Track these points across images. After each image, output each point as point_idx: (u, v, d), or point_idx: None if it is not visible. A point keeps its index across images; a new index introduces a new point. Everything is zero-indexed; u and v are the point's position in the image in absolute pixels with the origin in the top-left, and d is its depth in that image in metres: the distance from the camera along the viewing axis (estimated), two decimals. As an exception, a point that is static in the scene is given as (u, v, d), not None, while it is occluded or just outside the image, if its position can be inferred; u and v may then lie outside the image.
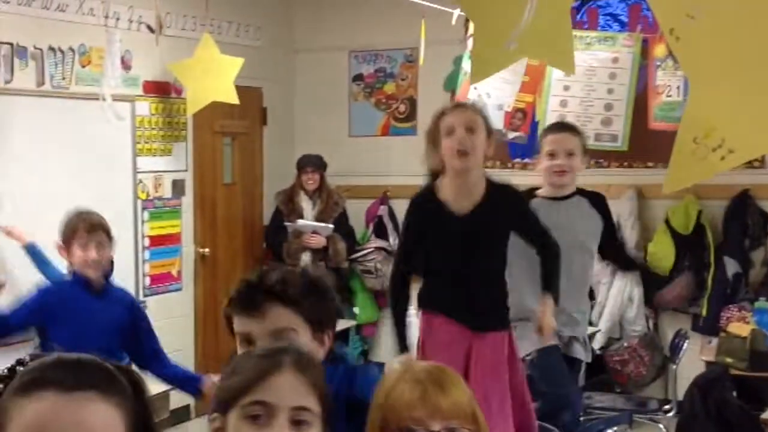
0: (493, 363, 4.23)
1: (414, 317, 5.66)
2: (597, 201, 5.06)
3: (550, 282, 4.41)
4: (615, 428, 4.35)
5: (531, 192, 4.88)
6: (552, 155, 4.78)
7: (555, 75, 7.07)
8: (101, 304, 4.43)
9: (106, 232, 4.44)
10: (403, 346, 4.37)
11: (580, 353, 4.84)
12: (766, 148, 2.53)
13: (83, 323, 4.33)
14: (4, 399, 1.41)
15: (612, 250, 5.29)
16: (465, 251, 4.25)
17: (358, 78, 8.42)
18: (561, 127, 5.12)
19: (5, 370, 1.48)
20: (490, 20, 3.79)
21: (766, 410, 4.73)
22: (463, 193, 4.24)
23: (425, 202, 4.34)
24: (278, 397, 1.95)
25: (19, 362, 1.49)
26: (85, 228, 4.37)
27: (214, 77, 6.92)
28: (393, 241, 7.88)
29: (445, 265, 4.32)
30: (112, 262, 4.60)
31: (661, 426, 6.31)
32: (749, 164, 7.10)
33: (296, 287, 2.45)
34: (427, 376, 2.08)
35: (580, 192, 4.99)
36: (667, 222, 7.44)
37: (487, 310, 4.31)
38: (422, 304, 4.49)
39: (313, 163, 7.84)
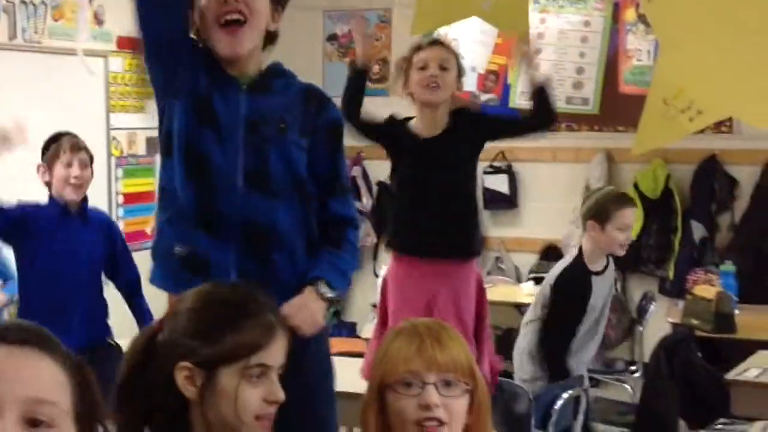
0: (456, 300, 4.25)
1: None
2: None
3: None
4: (570, 392, 4.41)
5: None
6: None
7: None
8: (80, 229, 4.50)
9: (89, 153, 4.55)
10: None
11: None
12: (733, 110, 2.57)
13: (63, 248, 4.41)
14: None
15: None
16: (432, 171, 4.29)
17: (332, 38, 8.43)
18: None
19: None
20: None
21: (730, 371, 4.81)
22: (430, 126, 4.29)
23: (398, 122, 4.40)
24: (276, 359, 2.09)
25: None
26: (70, 147, 4.47)
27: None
28: (366, 201, 7.94)
29: (411, 188, 4.36)
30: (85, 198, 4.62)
31: (627, 386, 6.42)
32: (717, 129, 7.21)
33: None
34: (425, 330, 2.14)
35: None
36: (635, 186, 7.52)
37: (454, 232, 4.30)
38: (390, 244, 4.51)
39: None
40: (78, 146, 4.53)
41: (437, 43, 4.40)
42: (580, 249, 4.76)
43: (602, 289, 4.76)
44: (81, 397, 1.37)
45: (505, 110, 6.07)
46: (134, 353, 2.11)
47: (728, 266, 6.16)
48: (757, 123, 2.60)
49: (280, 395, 2.07)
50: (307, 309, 2.70)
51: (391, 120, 4.43)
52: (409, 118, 4.39)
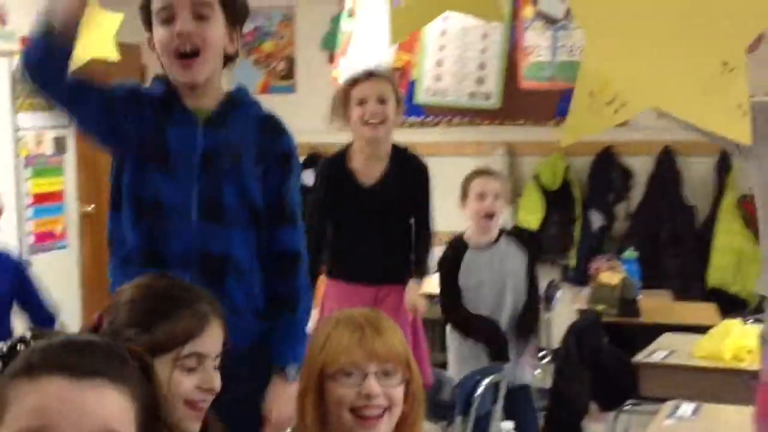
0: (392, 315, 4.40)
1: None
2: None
3: (418, 266, 4.60)
4: (490, 378, 4.57)
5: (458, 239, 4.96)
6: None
7: (431, 35, 7.30)
8: None
9: None
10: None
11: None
12: (654, 100, 2.67)
13: None
14: (4, 380, 1.32)
15: None
16: (371, 219, 4.44)
17: (236, 36, 8.47)
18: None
19: (3, 349, 1.39)
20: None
21: (638, 354, 5.01)
22: (372, 161, 4.42)
23: (335, 165, 4.50)
24: (210, 348, 2.11)
25: (22, 340, 1.40)
26: None
27: (95, 33, 6.89)
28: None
29: (351, 230, 4.49)
30: None
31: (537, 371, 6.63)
32: (613, 121, 7.49)
33: None
34: (364, 320, 2.20)
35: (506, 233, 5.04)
36: (536, 178, 7.76)
37: (386, 263, 4.47)
38: (327, 272, 4.63)
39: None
40: None
41: (373, 75, 4.44)
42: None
43: (487, 263, 4.87)
44: (147, 420, 1.38)
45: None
46: None
47: (630, 253, 6.41)
48: (680, 113, 2.72)
49: (215, 383, 2.11)
50: (283, 398, 2.75)
51: (329, 164, 4.55)
52: (343, 152, 4.51)
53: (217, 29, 2.77)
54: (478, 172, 4.91)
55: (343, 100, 4.39)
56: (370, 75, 4.43)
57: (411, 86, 7.57)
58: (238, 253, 2.78)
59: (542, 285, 7.41)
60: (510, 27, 7.20)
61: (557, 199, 7.69)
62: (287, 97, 8.24)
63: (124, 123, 2.75)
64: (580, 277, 7.25)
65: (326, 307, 4.49)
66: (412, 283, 4.52)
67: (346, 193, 4.46)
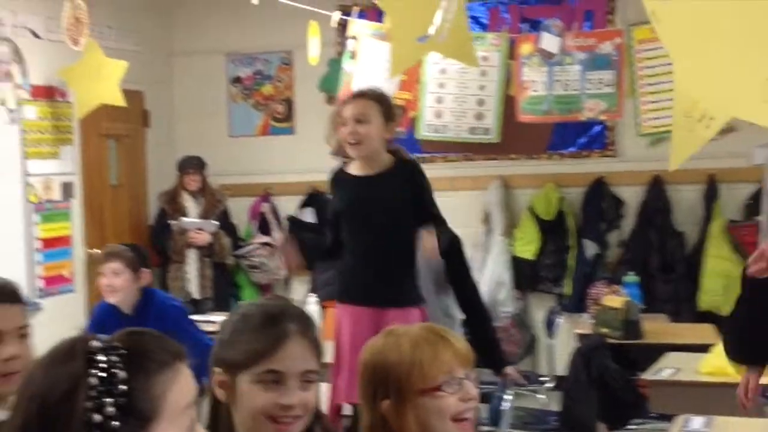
0: None
1: (314, 304, 6.03)
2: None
3: (495, 359, 4.79)
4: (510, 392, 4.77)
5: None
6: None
7: (430, 73, 7.54)
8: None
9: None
10: None
11: None
12: (734, 111, 2.77)
13: None
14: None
15: None
16: (367, 213, 4.56)
17: (236, 80, 8.68)
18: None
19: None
20: (406, 19, 4.16)
21: (641, 374, 5.18)
22: (367, 168, 4.58)
23: (337, 173, 4.71)
24: (288, 366, 2.17)
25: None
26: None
27: (101, 81, 7.06)
28: (276, 236, 8.21)
29: (351, 238, 4.62)
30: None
31: (541, 396, 6.84)
32: (603, 153, 7.78)
33: None
34: (434, 335, 2.30)
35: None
36: (531, 209, 7.98)
37: (390, 286, 4.54)
38: (336, 296, 4.78)
39: (193, 165, 8.08)
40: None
41: (357, 96, 4.61)
42: None
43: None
44: None
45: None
46: None
47: (631, 277, 6.63)
48: (757, 119, 2.82)
49: (294, 400, 2.15)
50: None
51: (332, 172, 4.75)
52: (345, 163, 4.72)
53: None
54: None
55: (335, 122, 4.60)
56: (355, 96, 4.63)
57: (412, 123, 7.81)
58: None
59: (536, 314, 7.68)
60: (506, 64, 7.45)
61: (552, 229, 7.91)
62: (287, 139, 8.47)
63: None
64: (576, 304, 7.43)
65: (340, 332, 4.63)
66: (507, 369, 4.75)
67: (344, 189, 4.63)
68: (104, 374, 1.43)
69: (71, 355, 1.48)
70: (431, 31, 3.76)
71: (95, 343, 1.49)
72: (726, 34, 2.57)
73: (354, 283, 4.63)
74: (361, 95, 4.62)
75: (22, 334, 2.46)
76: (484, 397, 4.82)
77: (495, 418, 4.77)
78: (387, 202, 4.55)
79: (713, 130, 2.73)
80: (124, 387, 1.44)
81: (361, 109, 4.48)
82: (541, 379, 6.92)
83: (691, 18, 2.57)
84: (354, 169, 4.63)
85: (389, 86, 7.17)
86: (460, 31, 4.24)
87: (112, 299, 4.86)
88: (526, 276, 7.97)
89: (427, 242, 4.58)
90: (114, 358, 1.47)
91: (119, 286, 4.86)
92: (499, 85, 7.49)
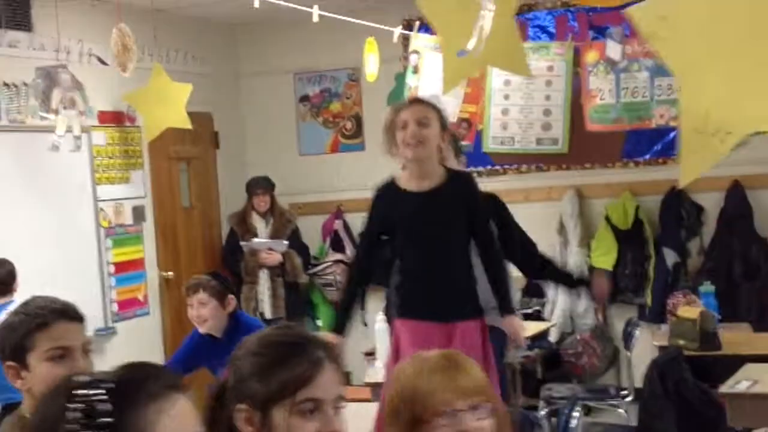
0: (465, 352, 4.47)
1: (382, 323, 5.94)
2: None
3: (503, 304, 4.64)
4: (578, 409, 4.63)
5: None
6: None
7: (495, 85, 7.44)
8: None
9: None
10: (336, 325, 4.64)
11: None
12: (756, 124, 2.75)
13: None
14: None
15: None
16: (426, 229, 4.48)
17: (304, 99, 8.69)
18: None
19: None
20: (454, 32, 4.10)
21: (720, 386, 5.02)
22: (420, 179, 4.48)
23: (386, 189, 4.59)
24: (326, 393, 2.12)
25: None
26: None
27: (167, 104, 7.10)
28: (350, 253, 8.16)
29: (409, 253, 4.55)
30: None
31: (621, 411, 6.65)
32: (679, 160, 7.55)
33: None
34: (445, 362, 2.26)
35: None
36: (607, 219, 7.82)
37: (453, 299, 4.48)
38: (393, 312, 4.73)
39: (261, 186, 8.09)
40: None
41: (415, 101, 4.61)
42: None
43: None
44: None
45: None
46: (208, 401, 2.23)
47: (707, 287, 6.44)
48: None
49: (335, 427, 2.12)
50: None
51: (379, 187, 4.63)
52: (392, 177, 4.60)
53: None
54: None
55: (391, 128, 4.51)
56: (412, 102, 4.61)
57: (478, 136, 7.70)
58: None
59: (618, 325, 7.49)
60: (572, 73, 7.32)
61: (629, 239, 7.73)
62: (357, 155, 8.42)
63: None
64: (657, 314, 7.27)
65: (402, 347, 4.56)
66: (508, 317, 4.62)
67: (397, 202, 4.52)
68: (84, 407, 1.43)
69: (57, 391, 1.50)
70: (470, 45, 3.67)
71: (80, 379, 1.49)
72: (734, 50, 2.55)
73: (416, 298, 4.56)
74: (418, 102, 4.61)
75: (87, 350, 2.68)
76: (553, 414, 4.73)
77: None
78: (446, 213, 4.50)
79: (729, 144, 2.70)
80: (106, 419, 1.42)
81: (422, 113, 4.44)
82: (623, 393, 6.74)
83: (696, 34, 2.56)
84: (407, 183, 4.55)
85: (454, 100, 7.11)
86: (509, 42, 4.14)
87: (203, 329, 4.94)
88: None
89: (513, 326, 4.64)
90: (96, 392, 1.45)
91: (207, 315, 4.92)
92: (565, 95, 7.36)
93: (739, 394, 4.83)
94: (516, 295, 8.03)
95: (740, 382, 4.95)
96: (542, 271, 5.61)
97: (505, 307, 4.64)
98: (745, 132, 2.75)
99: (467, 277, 4.57)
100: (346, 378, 2.95)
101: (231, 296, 5.02)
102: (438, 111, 4.54)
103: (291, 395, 2.10)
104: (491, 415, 2.25)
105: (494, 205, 5.14)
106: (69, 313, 2.69)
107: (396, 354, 4.58)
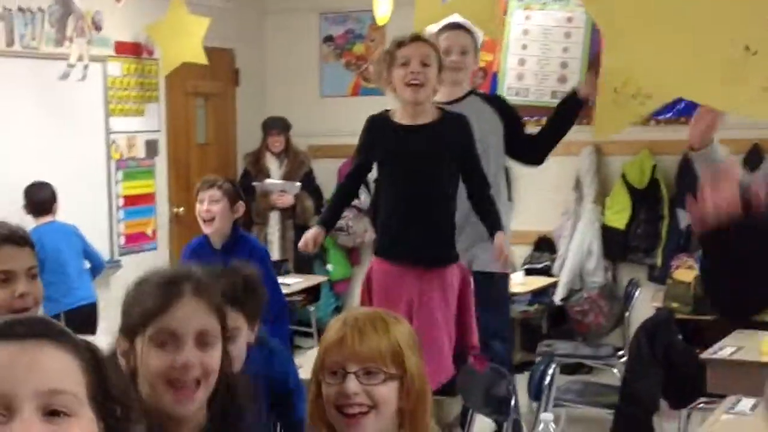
0: (437, 298, 4.40)
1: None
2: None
3: (493, 224, 4.52)
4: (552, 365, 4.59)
5: None
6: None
7: (513, 35, 7.30)
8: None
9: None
10: (321, 219, 4.70)
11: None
12: (678, 92, 2.71)
13: None
14: None
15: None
16: (411, 162, 4.40)
17: (328, 39, 8.63)
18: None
19: None
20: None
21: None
22: (414, 118, 4.41)
23: (378, 118, 4.52)
24: (181, 324, 2.11)
25: None
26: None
27: (183, 38, 7.07)
28: (364, 198, 8.10)
29: (391, 190, 4.49)
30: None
31: (615, 371, 6.57)
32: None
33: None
34: (353, 322, 2.24)
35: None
36: (623, 177, 7.70)
37: (430, 242, 4.40)
38: (374, 251, 4.67)
39: (277, 126, 8.04)
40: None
41: (418, 39, 4.45)
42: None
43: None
44: (96, 382, 1.40)
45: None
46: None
47: (707, 250, 6.30)
48: (704, 100, 2.75)
49: (184, 359, 2.09)
50: None
51: (371, 118, 4.56)
52: (386, 112, 4.53)
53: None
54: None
55: (388, 61, 4.41)
56: (415, 38, 4.44)
57: (494, 84, 7.58)
58: None
59: (623, 283, 7.38)
60: (592, 26, 7.17)
61: (644, 198, 7.61)
62: (377, 100, 8.30)
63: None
64: (664, 276, 7.15)
65: (374, 285, 4.52)
66: (496, 234, 4.48)
67: (387, 132, 4.45)
68: None
69: None
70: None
71: None
72: (663, 17, 2.53)
73: (392, 236, 4.51)
74: (421, 39, 4.45)
75: (32, 274, 2.75)
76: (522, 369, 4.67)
77: (537, 393, 4.58)
78: (434, 151, 4.42)
79: (649, 108, 2.72)
80: None
81: (426, 51, 4.35)
82: (619, 353, 6.66)
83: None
84: (400, 117, 4.47)
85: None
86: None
87: (207, 228, 4.91)
88: (617, 245, 7.69)
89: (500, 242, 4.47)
90: None
91: (217, 212, 4.90)
92: (584, 47, 7.20)
93: (720, 360, 4.75)
94: (526, 251, 7.99)
95: (724, 348, 4.87)
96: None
97: (494, 225, 4.52)
98: (667, 98, 2.74)
99: (447, 223, 4.49)
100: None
101: (241, 202, 5.04)
102: (437, 50, 4.45)
103: (148, 325, 2.11)
104: (388, 382, 2.23)
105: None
106: (14, 238, 2.75)
107: (368, 293, 4.56)
